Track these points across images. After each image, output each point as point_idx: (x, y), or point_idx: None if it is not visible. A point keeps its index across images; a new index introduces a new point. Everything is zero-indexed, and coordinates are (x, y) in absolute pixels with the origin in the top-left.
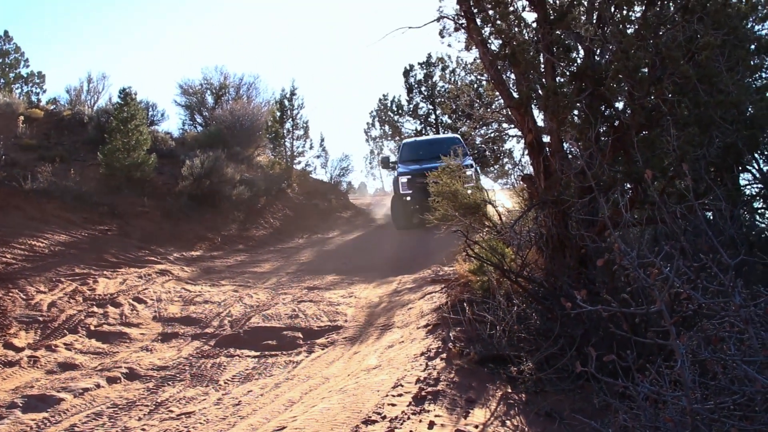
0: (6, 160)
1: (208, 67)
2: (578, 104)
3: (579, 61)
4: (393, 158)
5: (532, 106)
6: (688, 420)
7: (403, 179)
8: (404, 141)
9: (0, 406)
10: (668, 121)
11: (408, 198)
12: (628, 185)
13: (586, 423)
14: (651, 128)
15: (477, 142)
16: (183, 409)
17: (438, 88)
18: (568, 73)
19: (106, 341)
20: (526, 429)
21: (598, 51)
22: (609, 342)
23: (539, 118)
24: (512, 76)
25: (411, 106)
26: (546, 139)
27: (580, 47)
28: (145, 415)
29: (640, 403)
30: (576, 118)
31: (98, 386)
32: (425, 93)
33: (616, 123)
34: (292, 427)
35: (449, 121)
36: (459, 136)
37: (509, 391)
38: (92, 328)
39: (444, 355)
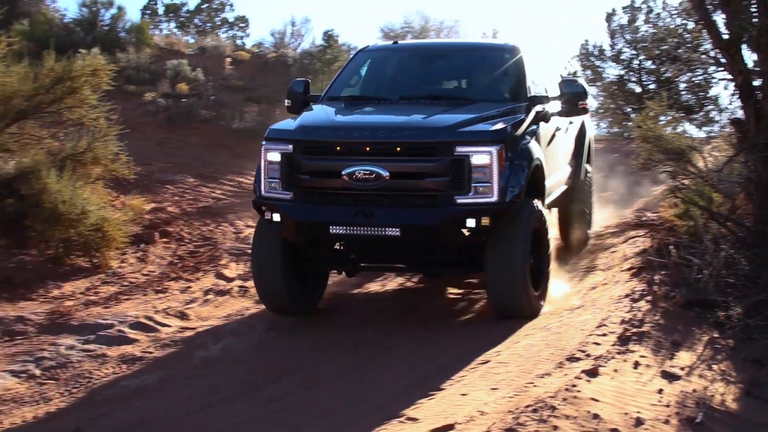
0: (215, 101)
1: (409, 10)
2: None
3: None
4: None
5: (743, 47)
6: None
7: (272, 156)
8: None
9: (215, 330)
10: None
11: (276, 218)
12: None
13: None
14: None
15: (681, 89)
16: (384, 343)
17: (641, 33)
18: None
19: None
20: (734, 374)
21: None
22: None
23: (750, 59)
24: (722, 16)
25: (613, 51)
26: (757, 82)
27: None
28: (349, 346)
29: None
30: None
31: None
32: (628, 38)
33: None
34: (496, 361)
35: (653, 66)
36: (512, 45)
37: (716, 336)
38: None
39: (649, 298)
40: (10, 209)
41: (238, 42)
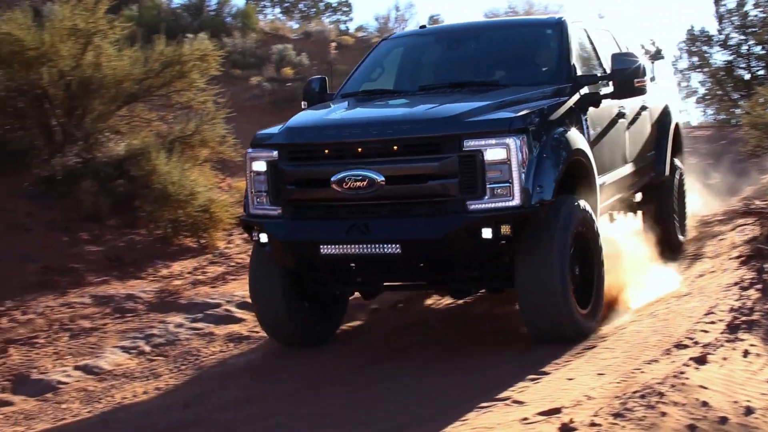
0: None
1: None
2: None
3: None
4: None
5: None
6: None
7: (257, 166)
8: (391, 34)
9: None
10: None
11: (264, 237)
12: None
13: None
14: None
15: None
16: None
17: (751, 17)
18: None
19: None
20: None
21: None
22: None
23: None
24: None
25: (721, 36)
26: None
27: None
28: (454, 330)
29: None
30: None
31: None
32: (737, 22)
33: None
34: (602, 347)
35: (762, 51)
36: (556, 19)
37: None
38: None
39: (759, 286)
40: (121, 190)
41: (342, 27)
